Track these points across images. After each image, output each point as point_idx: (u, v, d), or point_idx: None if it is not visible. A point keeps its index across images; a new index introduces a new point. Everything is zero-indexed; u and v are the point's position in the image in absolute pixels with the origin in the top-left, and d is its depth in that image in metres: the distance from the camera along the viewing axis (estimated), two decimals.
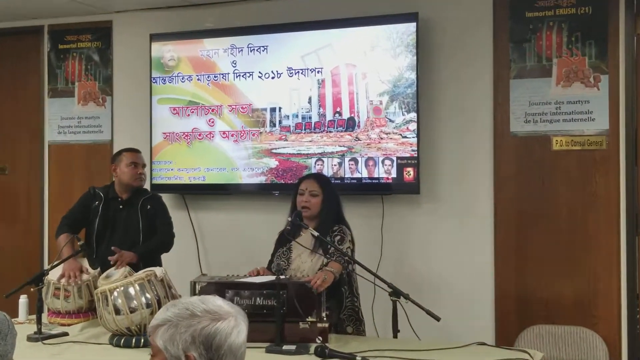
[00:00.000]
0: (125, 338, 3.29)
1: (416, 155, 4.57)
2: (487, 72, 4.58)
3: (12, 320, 1.72)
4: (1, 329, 1.64)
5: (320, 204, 3.77)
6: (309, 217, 3.73)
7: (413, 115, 4.58)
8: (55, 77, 5.70)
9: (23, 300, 3.84)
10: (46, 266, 5.31)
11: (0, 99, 5.90)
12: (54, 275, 3.76)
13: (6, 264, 5.82)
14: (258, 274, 3.58)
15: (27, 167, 5.82)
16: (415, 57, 4.59)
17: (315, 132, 4.81)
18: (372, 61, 4.70)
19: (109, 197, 4.27)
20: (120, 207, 4.26)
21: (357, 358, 2.80)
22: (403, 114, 4.61)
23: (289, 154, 4.87)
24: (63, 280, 3.76)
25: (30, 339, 3.39)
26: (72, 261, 3.80)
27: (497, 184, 4.56)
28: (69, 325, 3.70)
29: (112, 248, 3.86)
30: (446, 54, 4.68)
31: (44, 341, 3.36)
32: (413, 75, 4.59)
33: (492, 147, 4.57)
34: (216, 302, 1.62)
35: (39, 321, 3.44)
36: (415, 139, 4.57)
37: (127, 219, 4.23)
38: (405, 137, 4.59)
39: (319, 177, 4.01)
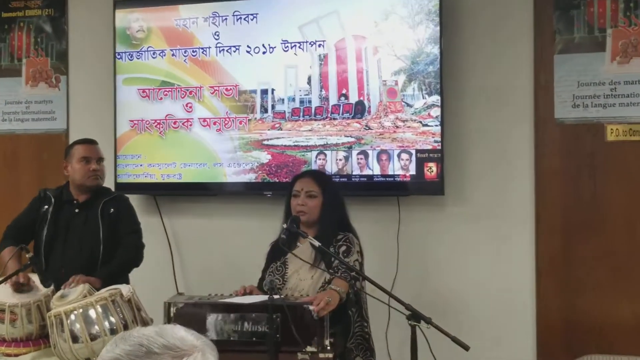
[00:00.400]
0: None
1: (440, 147, 4.57)
2: (527, 46, 4.58)
3: None
4: None
5: (320, 208, 3.78)
6: (307, 223, 3.73)
7: (436, 98, 4.58)
8: None
9: None
10: None
11: None
12: None
13: None
14: (246, 294, 3.58)
15: None
16: (438, 28, 4.59)
17: (316, 120, 4.81)
18: (386, 32, 4.70)
19: (63, 199, 4.27)
20: (76, 211, 4.26)
21: None
22: (423, 97, 4.61)
23: (284, 146, 4.88)
24: (11, 300, 3.75)
25: None
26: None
27: (539, 183, 4.56)
28: (15, 355, 3.69)
29: (63, 285, 3.82)
30: (476, 23, 4.68)
31: None
32: (436, 50, 4.59)
33: (533, 138, 4.57)
34: (177, 334, 1.58)
35: None
36: (439, 127, 4.57)
37: (84, 225, 4.23)
38: (427, 125, 4.59)
39: (316, 175, 4.01)
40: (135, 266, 4.27)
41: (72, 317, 3.33)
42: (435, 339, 3.25)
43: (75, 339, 3.30)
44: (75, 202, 4.27)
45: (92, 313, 3.34)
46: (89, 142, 4.35)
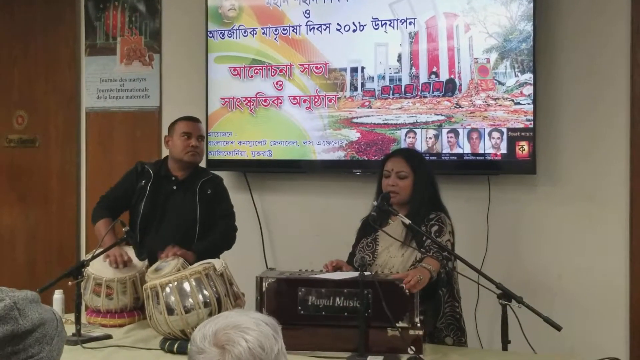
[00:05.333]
0: (179, 342, 3.36)
1: (532, 126, 4.52)
2: (623, 21, 4.48)
3: None
4: (47, 332, 1.69)
5: (411, 188, 3.76)
6: (398, 203, 3.73)
7: (528, 76, 4.53)
8: (94, 31, 5.84)
9: (58, 296, 3.95)
10: (84, 255, 5.50)
11: (28, 58, 6.08)
12: (94, 267, 3.88)
13: (37, 253, 6.04)
14: (335, 269, 3.61)
15: (60, 139, 6.00)
16: (532, 4, 4.53)
17: (405, 98, 4.81)
18: (478, 9, 4.66)
19: (161, 175, 4.31)
20: (174, 187, 4.30)
21: None
22: (516, 75, 4.57)
23: (374, 124, 4.89)
24: (108, 275, 3.88)
25: (67, 341, 3.47)
26: (116, 248, 3.92)
27: (635, 165, 4.47)
28: (111, 326, 3.82)
29: (160, 255, 3.92)
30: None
31: (84, 345, 3.47)
32: (529, 27, 4.54)
33: (629, 117, 4.48)
34: None
35: (77, 321, 3.56)
36: (531, 106, 4.52)
37: (181, 203, 4.27)
38: (519, 103, 4.55)
39: (408, 154, 3.97)
40: (227, 249, 4.33)
41: (168, 289, 3.41)
42: (526, 319, 3.25)
43: (170, 311, 3.38)
44: (173, 179, 4.30)
45: (186, 286, 3.41)
46: (192, 119, 4.40)
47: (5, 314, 1.59)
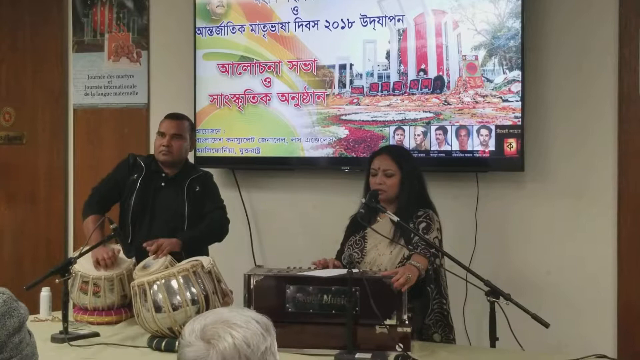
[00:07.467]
0: (167, 340, 3.36)
1: (520, 123, 4.53)
2: (611, 18, 4.49)
3: (33, 317, 1.78)
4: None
5: (398, 186, 3.76)
6: (386, 200, 3.73)
7: (517, 73, 4.53)
8: (81, 27, 5.82)
9: (45, 293, 3.97)
10: (71, 253, 5.48)
11: (15, 54, 6.07)
12: (81, 264, 3.86)
13: (25, 251, 6.03)
14: (326, 266, 3.61)
15: (48, 136, 5.99)
16: (520, 1, 4.53)
17: (394, 95, 4.81)
18: (466, 7, 4.66)
19: (151, 169, 4.28)
20: (162, 184, 4.28)
21: None
22: (504, 72, 4.57)
23: (362, 121, 4.88)
24: (95, 272, 3.86)
25: (54, 339, 3.50)
26: (102, 247, 3.89)
27: (622, 161, 4.48)
28: (99, 324, 3.81)
29: (144, 244, 3.89)
30: None
31: (71, 342, 3.46)
32: (517, 24, 4.54)
33: (617, 114, 4.48)
34: None
35: (65, 319, 3.54)
36: (519, 103, 4.53)
37: (169, 201, 4.25)
38: (507, 100, 4.55)
39: (394, 152, 3.96)
40: (218, 239, 4.30)
41: (155, 287, 3.41)
42: (514, 316, 3.25)
43: (158, 308, 3.38)
44: (163, 175, 4.28)
45: (174, 284, 3.41)
46: (170, 117, 4.36)
47: (9, 307, 1.61)
